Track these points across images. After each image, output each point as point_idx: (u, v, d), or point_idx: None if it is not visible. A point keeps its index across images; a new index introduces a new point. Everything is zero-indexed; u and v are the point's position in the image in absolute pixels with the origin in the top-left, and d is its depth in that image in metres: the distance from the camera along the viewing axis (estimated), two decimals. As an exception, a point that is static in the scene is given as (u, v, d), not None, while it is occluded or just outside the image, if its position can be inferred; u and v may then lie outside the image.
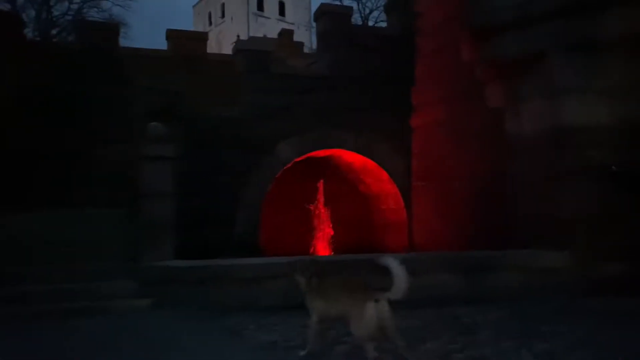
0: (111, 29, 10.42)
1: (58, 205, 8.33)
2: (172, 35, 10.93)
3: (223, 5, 55.88)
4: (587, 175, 5.76)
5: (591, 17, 5.84)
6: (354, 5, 36.95)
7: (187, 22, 64.16)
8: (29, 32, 26.29)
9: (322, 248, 9.56)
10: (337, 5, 16.25)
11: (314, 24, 11.06)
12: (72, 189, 8.73)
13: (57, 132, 8.54)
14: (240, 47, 8.54)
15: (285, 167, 8.55)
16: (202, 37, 11.39)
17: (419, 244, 8.74)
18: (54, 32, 26.98)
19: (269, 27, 52.29)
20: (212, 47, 50.12)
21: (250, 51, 8.34)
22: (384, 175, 9.03)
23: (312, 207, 9.58)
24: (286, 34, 19.12)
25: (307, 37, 46.83)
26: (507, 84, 6.62)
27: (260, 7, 55.16)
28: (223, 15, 55.69)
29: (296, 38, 34.59)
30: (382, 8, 36.23)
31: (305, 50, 33.21)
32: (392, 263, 2.94)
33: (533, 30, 6.20)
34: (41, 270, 5.76)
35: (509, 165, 6.68)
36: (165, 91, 8.04)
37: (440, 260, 5.68)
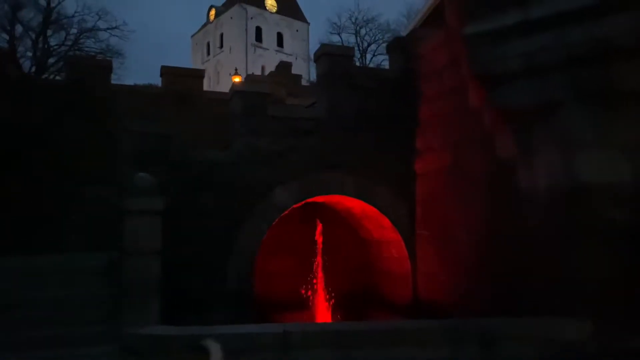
0: (102, 65, 10.08)
1: (32, 251, 7.87)
2: (167, 71, 10.61)
3: (222, 35, 56.23)
4: (608, 236, 5.33)
5: (608, 67, 5.50)
6: (352, 39, 37.24)
7: (186, 52, 64.52)
8: (25, 62, 26.26)
9: (320, 297, 9.04)
10: (337, 46, 16.06)
11: (311, 56, 10.87)
12: (49, 232, 8.27)
13: (34, 171, 8.13)
14: (237, 89, 8.16)
15: (282, 214, 8.09)
16: (198, 74, 11.07)
17: (424, 297, 8.25)
18: (51, 60, 26.90)
19: (267, 58, 52.52)
20: (209, 78, 50.10)
21: (247, 93, 7.96)
22: (386, 222, 8.58)
23: (313, 253, 9.08)
24: (284, 66, 18.90)
25: (305, 68, 46.96)
26: (517, 134, 6.24)
27: (258, 38, 55.52)
28: (222, 46, 55.99)
29: (294, 70, 34.70)
30: (379, 41, 36.42)
31: (304, 82, 33.32)
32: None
33: (544, 79, 5.86)
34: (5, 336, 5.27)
35: (520, 220, 6.25)
36: (156, 133, 7.61)
37: (445, 330, 5.21)
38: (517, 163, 6.27)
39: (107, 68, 10.09)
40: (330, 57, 8.48)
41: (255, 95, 7.99)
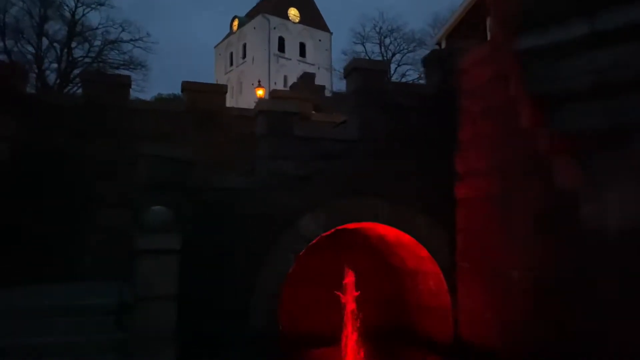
0: (120, 82, 9.56)
1: (44, 280, 7.33)
2: (188, 87, 10.05)
3: (244, 46, 56.15)
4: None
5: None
6: (376, 48, 36.55)
7: (209, 63, 64.68)
8: (50, 75, 26.25)
9: (351, 332, 8.28)
10: (370, 60, 15.33)
11: (334, 66, 10.28)
12: (63, 259, 7.75)
13: (48, 195, 7.63)
14: (263, 107, 7.52)
15: (311, 245, 7.40)
16: (221, 91, 10.48)
17: (467, 336, 7.45)
18: (75, 72, 26.82)
19: (290, 68, 52.16)
20: (232, 88, 49.95)
21: (272, 113, 7.31)
22: (423, 251, 7.82)
23: (344, 287, 8.34)
24: (308, 77, 18.27)
25: (327, 79, 46.40)
26: (582, 162, 5.45)
27: (281, 48, 55.26)
28: (244, 56, 55.88)
29: (317, 80, 34.05)
30: (404, 51, 35.65)
31: (327, 93, 32.67)
32: None
33: (617, 99, 5.07)
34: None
35: (583, 264, 5.45)
36: (174, 157, 6.99)
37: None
38: (581, 196, 5.48)
39: (126, 85, 9.57)
40: (362, 72, 7.80)
41: (281, 115, 7.33)
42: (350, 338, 8.22)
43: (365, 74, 7.78)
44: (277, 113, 7.31)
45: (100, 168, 8.30)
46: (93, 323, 5.64)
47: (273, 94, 11.97)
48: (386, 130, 7.91)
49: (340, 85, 38.17)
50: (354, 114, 7.94)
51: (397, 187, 7.81)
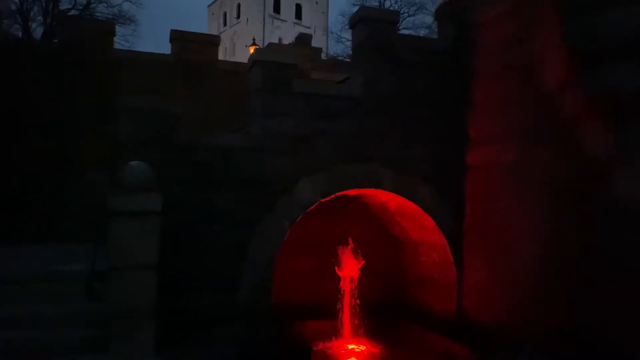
0: (103, 28, 8.75)
1: (22, 239, 6.73)
2: (177, 36, 9.27)
3: (239, 5, 54.46)
4: None
5: None
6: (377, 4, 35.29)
7: (202, 22, 62.85)
8: (36, 28, 25.00)
9: (348, 304, 7.77)
10: (379, 9, 14.35)
11: (331, 29, 9.50)
12: (41, 219, 7.12)
13: (16, 150, 6.92)
14: (258, 57, 6.79)
15: (306, 211, 6.80)
16: (213, 41, 9.69)
17: (472, 314, 6.97)
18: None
19: (285, 30, 50.70)
20: (225, 49, 48.62)
21: (269, 63, 6.59)
22: (429, 221, 7.26)
23: (339, 253, 7.79)
24: (304, 39, 17.45)
25: (324, 42, 45.11)
26: (617, 127, 4.84)
27: (276, 9, 53.67)
28: (238, 16, 54.26)
29: (313, 44, 32.92)
30: (405, 14, 34.52)
31: (323, 56, 31.67)
32: None
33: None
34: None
35: (612, 240, 4.91)
36: (160, 110, 6.30)
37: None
38: (614, 165, 4.89)
39: (108, 32, 8.76)
40: (370, 23, 7.06)
41: (278, 67, 6.61)
42: (347, 311, 7.74)
43: (374, 25, 7.04)
44: (274, 64, 6.59)
45: (80, 124, 7.58)
46: (64, 292, 5.05)
47: (270, 47, 11.16)
48: (392, 89, 7.23)
49: (337, 49, 36.98)
50: (358, 70, 7.24)
51: (402, 151, 7.19)
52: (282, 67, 6.62)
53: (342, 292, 7.73)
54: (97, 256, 5.19)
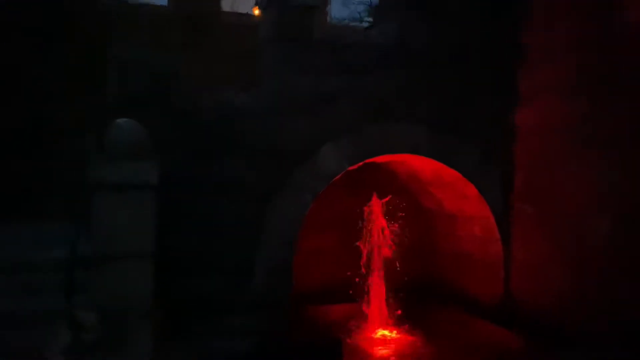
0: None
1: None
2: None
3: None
4: None
5: None
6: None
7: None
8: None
9: (376, 283, 6.82)
10: None
11: None
12: (21, 194, 6.16)
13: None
14: (271, -2, 5.69)
15: (331, 182, 5.82)
16: (217, -9, 8.56)
17: (520, 295, 6.03)
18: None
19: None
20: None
21: (284, 4, 5.50)
22: (470, 190, 6.27)
23: (363, 229, 6.84)
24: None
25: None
26: None
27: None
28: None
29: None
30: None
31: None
32: None
33: None
34: None
35: None
36: (157, 64, 5.30)
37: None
38: None
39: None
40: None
41: (296, 10, 5.53)
42: (376, 293, 6.80)
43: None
44: (291, 6, 5.50)
45: (63, 84, 6.53)
46: (42, 284, 4.11)
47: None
48: (428, 38, 6.14)
49: (343, 14, 35.39)
50: (390, 15, 6.14)
51: (439, 110, 6.16)
52: (302, 8, 5.53)
53: (369, 271, 6.79)
54: (80, 239, 4.23)
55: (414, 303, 6.90)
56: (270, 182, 5.60)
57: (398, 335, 6.50)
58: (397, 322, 6.68)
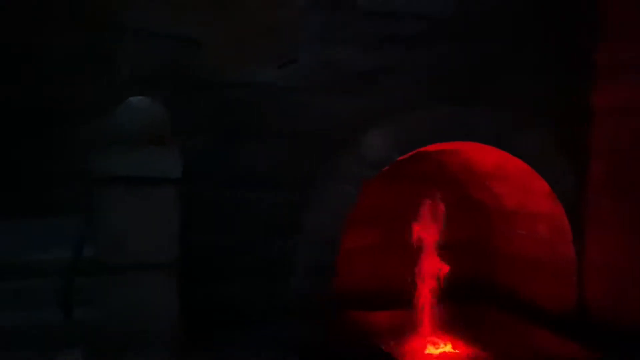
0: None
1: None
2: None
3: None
4: None
5: None
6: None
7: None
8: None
9: (425, 287, 5.98)
10: None
11: None
12: (26, 186, 5.45)
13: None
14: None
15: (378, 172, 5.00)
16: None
17: (600, 304, 5.17)
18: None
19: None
20: None
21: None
22: (538, 183, 5.39)
23: (407, 225, 6.00)
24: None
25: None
26: None
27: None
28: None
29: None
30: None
31: None
32: None
33: None
34: None
35: None
36: (175, 35, 4.52)
37: None
38: None
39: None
40: None
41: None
42: (424, 298, 5.96)
43: None
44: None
45: (69, 62, 5.75)
46: (40, 292, 3.38)
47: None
48: (493, 5, 5.25)
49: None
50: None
51: (502, 90, 5.28)
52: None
53: (417, 274, 5.96)
54: (86, 240, 3.46)
55: (467, 309, 6.07)
56: (308, 172, 4.82)
57: (450, 347, 5.68)
58: (449, 332, 5.86)
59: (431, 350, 5.65)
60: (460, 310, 6.00)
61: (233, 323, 4.57)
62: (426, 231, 6.00)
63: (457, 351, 5.58)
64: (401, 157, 5.03)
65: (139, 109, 2.91)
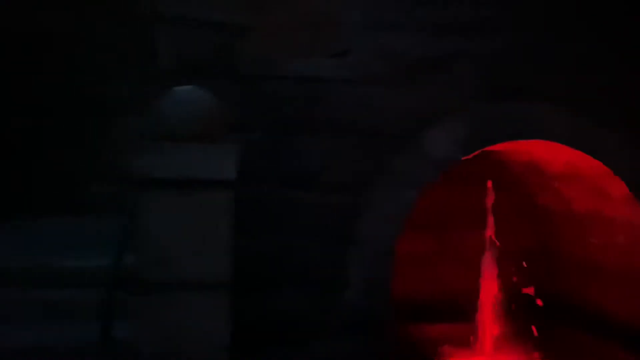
0: None
1: (35, 211, 4.83)
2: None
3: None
4: None
5: None
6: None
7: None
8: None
9: (487, 299, 5.46)
10: None
11: None
12: (62, 184, 5.17)
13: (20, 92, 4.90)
14: None
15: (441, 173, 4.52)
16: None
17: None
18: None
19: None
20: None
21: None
22: (617, 186, 4.82)
23: (465, 229, 5.54)
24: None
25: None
26: None
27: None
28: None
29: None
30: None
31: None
32: None
33: None
34: None
35: None
36: (217, 23, 4.15)
37: None
38: None
39: None
40: None
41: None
42: (487, 311, 5.44)
43: None
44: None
45: (108, 52, 5.47)
46: (71, 308, 3.03)
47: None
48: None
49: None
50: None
51: (578, 83, 4.71)
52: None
53: (478, 284, 5.45)
54: (125, 249, 3.09)
55: (532, 323, 5.53)
56: (362, 172, 4.37)
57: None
58: (512, 348, 5.34)
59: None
60: (525, 325, 5.47)
61: (283, 339, 4.17)
62: (485, 237, 5.52)
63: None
64: (466, 157, 4.53)
65: (188, 100, 2.51)
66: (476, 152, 4.60)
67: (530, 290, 5.84)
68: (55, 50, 5.33)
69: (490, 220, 5.39)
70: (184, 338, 2.37)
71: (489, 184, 5.44)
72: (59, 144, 5.09)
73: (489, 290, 5.41)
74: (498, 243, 5.49)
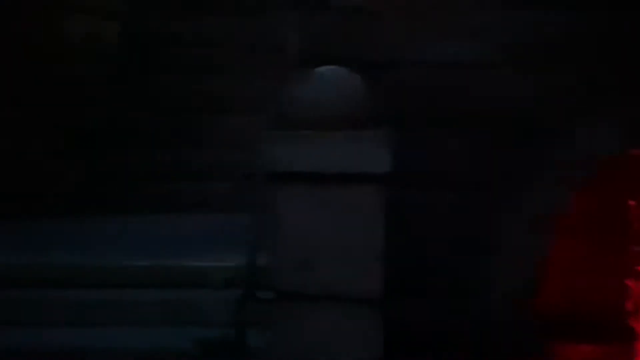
0: None
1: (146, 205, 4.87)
2: None
3: None
4: None
5: None
6: None
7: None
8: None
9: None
10: None
11: None
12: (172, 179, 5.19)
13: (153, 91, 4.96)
14: None
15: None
16: None
17: None
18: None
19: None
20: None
21: None
22: None
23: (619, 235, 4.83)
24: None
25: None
26: None
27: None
28: None
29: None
30: None
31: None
32: None
33: None
34: None
35: None
36: (346, 7, 3.87)
37: None
38: None
39: None
40: None
41: None
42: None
43: None
44: None
45: (221, 54, 5.44)
46: (212, 310, 2.86)
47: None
48: None
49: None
50: None
51: None
52: None
53: (635, 299, 4.73)
54: (258, 250, 2.82)
55: None
56: (507, 170, 3.89)
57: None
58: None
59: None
60: None
61: (412, 349, 3.80)
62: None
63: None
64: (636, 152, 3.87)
65: (332, 81, 2.19)
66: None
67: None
68: (177, 51, 5.38)
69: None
70: (326, 354, 2.06)
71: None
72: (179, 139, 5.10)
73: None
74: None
